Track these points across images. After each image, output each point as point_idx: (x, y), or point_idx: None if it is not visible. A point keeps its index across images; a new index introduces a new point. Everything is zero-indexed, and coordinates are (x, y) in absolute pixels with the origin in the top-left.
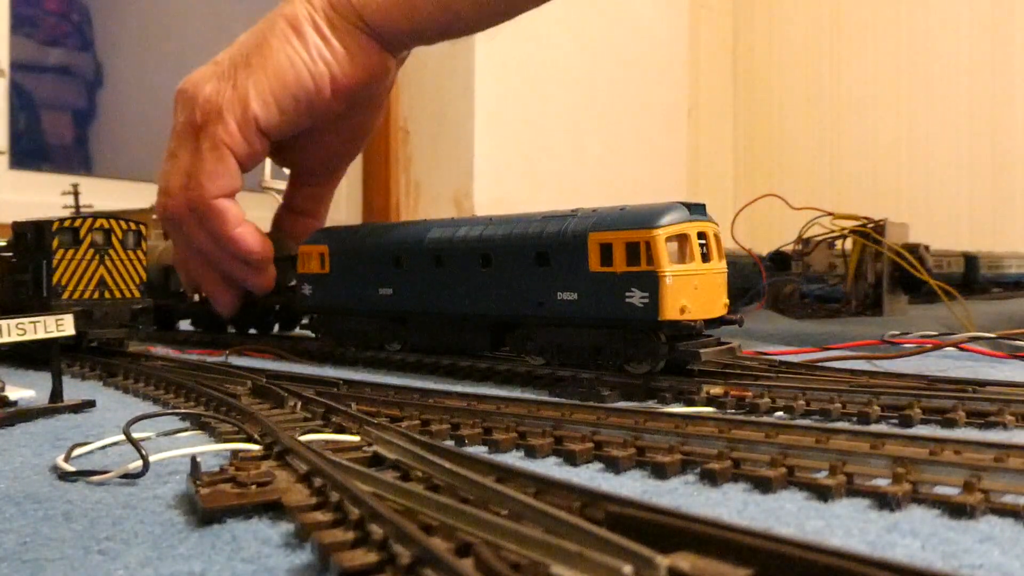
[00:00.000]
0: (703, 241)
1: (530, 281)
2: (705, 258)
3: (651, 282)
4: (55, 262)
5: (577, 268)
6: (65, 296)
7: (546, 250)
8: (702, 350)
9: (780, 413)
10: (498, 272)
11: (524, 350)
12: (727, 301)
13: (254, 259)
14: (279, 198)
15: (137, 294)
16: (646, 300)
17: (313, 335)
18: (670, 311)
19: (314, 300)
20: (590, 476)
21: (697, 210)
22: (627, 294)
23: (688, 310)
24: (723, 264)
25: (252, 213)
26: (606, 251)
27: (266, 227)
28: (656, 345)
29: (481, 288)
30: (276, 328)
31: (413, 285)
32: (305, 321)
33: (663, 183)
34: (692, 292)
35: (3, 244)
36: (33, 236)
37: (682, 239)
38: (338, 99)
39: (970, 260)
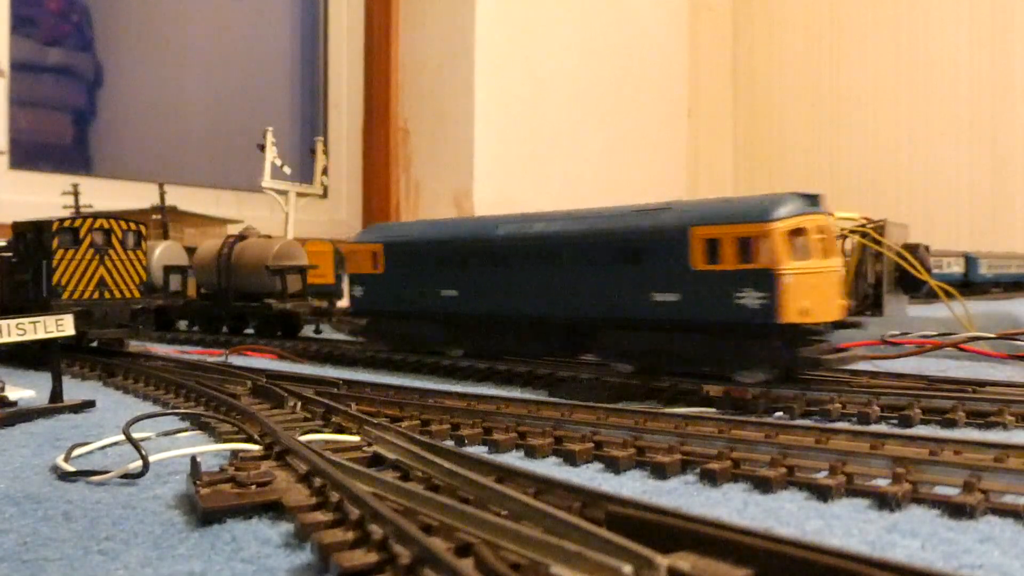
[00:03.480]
0: (821, 235)
1: (618, 281)
2: (822, 254)
3: (768, 281)
4: (55, 262)
5: (676, 266)
6: (65, 296)
7: (638, 247)
8: (827, 356)
9: (780, 413)
10: (580, 271)
11: (610, 357)
12: (845, 302)
13: None
14: (279, 198)
15: (137, 294)
16: (762, 301)
17: (356, 338)
18: (791, 313)
19: (366, 302)
20: (590, 476)
21: (813, 201)
22: (738, 294)
23: (810, 311)
24: (839, 261)
25: (252, 213)
26: (712, 247)
27: (266, 228)
28: (773, 351)
29: (559, 289)
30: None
31: (481, 286)
32: (310, 326)
33: (663, 183)
34: (813, 292)
35: (3, 244)
36: (33, 236)
37: (800, 233)
38: None
39: (970, 260)
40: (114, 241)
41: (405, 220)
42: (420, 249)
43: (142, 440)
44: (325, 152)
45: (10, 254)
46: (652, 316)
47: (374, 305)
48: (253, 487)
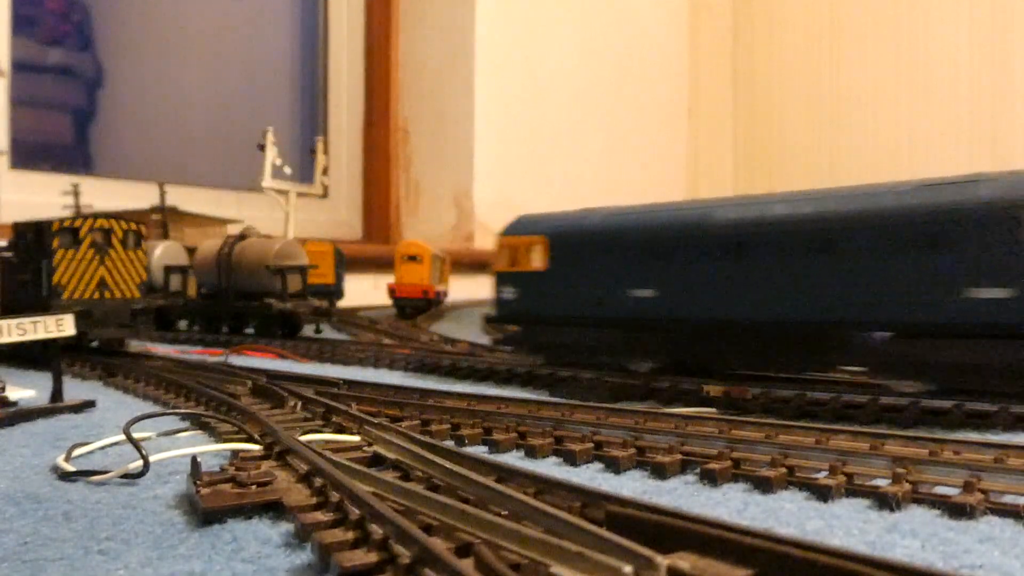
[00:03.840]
0: None
1: (906, 274)
2: None
3: None
4: (55, 262)
5: (1007, 253)
6: (65, 296)
7: (940, 229)
8: None
9: (780, 413)
10: (842, 262)
11: (890, 373)
12: None
13: None
14: (279, 198)
15: (137, 294)
16: None
17: (504, 347)
18: None
19: (522, 305)
20: (590, 476)
21: None
22: None
23: None
24: None
25: (252, 213)
26: None
27: (266, 228)
28: None
29: (817, 285)
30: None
31: (690, 283)
32: (310, 326)
33: (663, 183)
34: None
35: (3, 244)
36: (33, 236)
37: None
38: None
39: None
40: (114, 241)
41: (407, 219)
42: (602, 241)
43: (142, 440)
44: (325, 152)
45: (10, 254)
46: (963, 319)
47: (532, 309)
48: (253, 487)
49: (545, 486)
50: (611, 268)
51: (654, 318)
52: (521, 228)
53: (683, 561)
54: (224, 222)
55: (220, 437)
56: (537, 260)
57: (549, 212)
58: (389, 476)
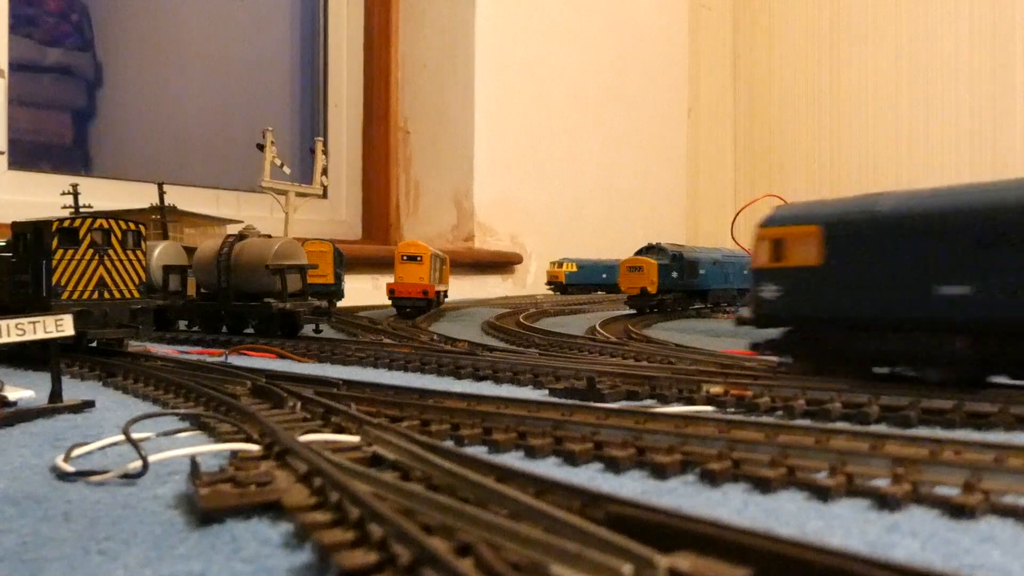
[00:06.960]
0: None
1: None
2: None
3: None
4: (54, 262)
5: None
6: (64, 296)
7: None
8: None
9: (780, 412)
10: None
11: None
12: None
13: None
14: (278, 198)
15: (136, 294)
16: None
17: (767, 355)
18: None
19: (791, 306)
20: (590, 476)
21: None
22: None
23: None
24: None
25: (252, 213)
26: None
27: (266, 228)
28: None
29: None
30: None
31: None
32: (310, 326)
33: (663, 183)
34: None
35: (3, 244)
36: (32, 236)
37: None
38: None
39: None
40: (113, 241)
41: (407, 220)
42: (895, 229)
43: (142, 440)
44: (325, 152)
45: (10, 254)
46: None
47: (802, 311)
48: (253, 487)
49: (545, 486)
50: (907, 260)
51: (970, 320)
52: (792, 217)
53: (683, 561)
54: (224, 222)
55: (219, 437)
56: (810, 254)
57: (821, 200)
58: (389, 476)
